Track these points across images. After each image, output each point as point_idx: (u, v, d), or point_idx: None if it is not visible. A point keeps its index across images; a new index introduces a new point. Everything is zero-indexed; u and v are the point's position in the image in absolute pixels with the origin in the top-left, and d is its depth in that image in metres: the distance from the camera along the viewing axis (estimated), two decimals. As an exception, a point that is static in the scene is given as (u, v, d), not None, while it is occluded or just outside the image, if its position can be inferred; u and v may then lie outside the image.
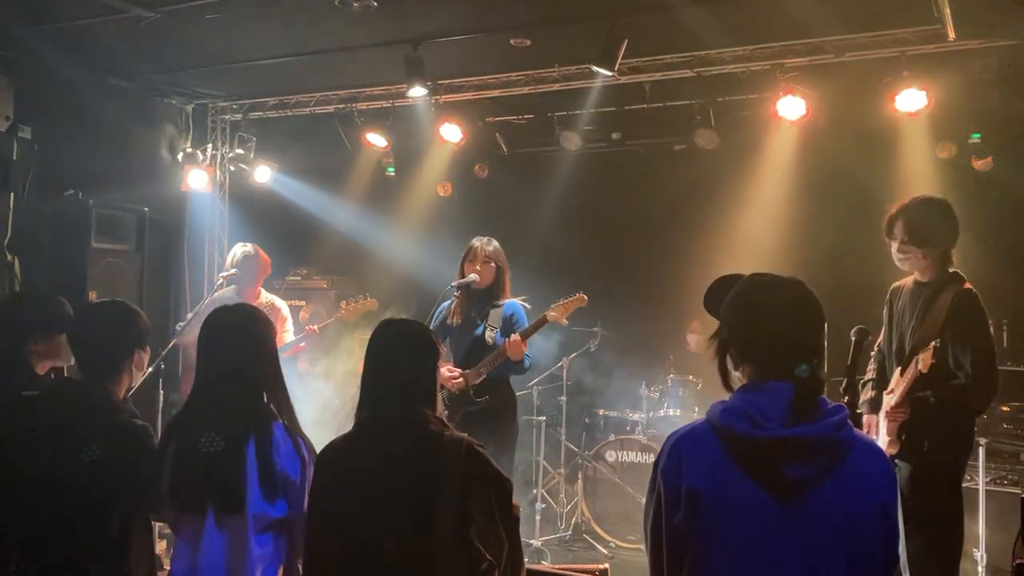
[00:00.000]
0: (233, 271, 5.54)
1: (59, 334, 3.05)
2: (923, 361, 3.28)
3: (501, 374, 4.55)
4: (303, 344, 5.73)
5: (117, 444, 2.57)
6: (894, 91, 5.38)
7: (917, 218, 3.59)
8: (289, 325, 5.94)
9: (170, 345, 5.12)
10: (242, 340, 2.59)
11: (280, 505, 2.48)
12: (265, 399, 2.55)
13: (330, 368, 6.54)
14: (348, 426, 2.49)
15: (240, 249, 5.66)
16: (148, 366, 4.21)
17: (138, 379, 2.84)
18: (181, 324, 5.46)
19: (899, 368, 3.62)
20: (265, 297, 5.79)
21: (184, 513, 2.52)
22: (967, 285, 3.56)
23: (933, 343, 3.31)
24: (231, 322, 2.65)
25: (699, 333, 6.78)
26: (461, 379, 4.45)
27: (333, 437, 2.50)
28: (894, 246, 3.67)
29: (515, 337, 4.39)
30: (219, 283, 5.54)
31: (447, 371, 4.42)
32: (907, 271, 3.75)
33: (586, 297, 4.47)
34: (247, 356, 2.58)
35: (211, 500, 2.46)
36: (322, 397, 6.11)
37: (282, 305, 5.91)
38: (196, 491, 2.49)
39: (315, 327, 5.66)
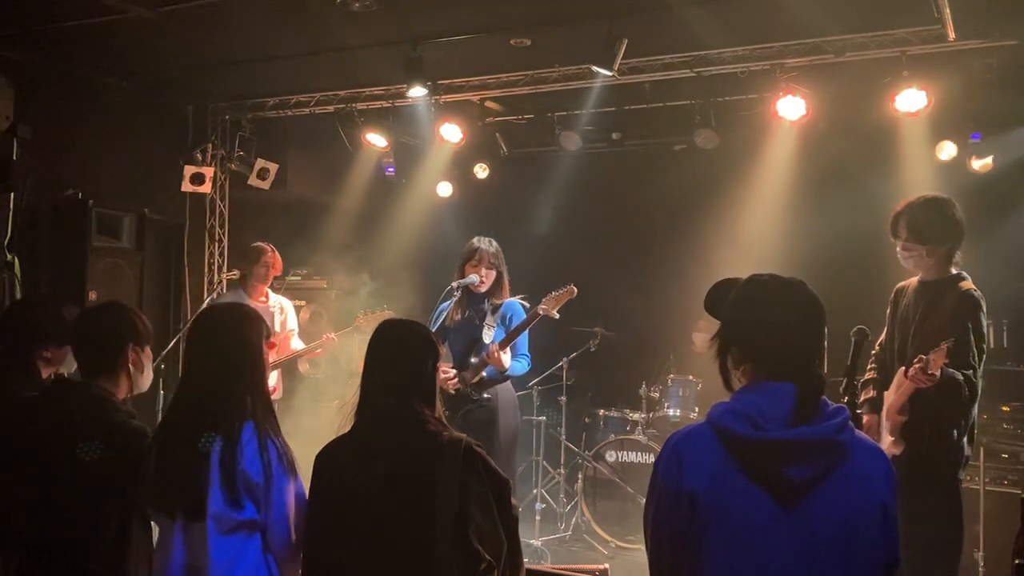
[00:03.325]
0: (234, 272, 5.55)
1: (70, 344, 3.06)
2: (933, 362, 3.24)
3: (500, 374, 4.55)
4: (320, 351, 5.75)
5: (115, 444, 2.58)
6: (894, 91, 5.38)
7: (920, 216, 3.59)
8: (291, 324, 5.94)
9: (170, 345, 5.12)
10: (225, 339, 2.55)
11: (247, 507, 2.41)
12: (240, 399, 2.49)
13: (330, 368, 6.54)
14: (347, 426, 2.49)
15: (252, 246, 5.70)
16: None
17: (140, 380, 2.81)
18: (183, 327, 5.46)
19: (902, 368, 3.61)
20: (273, 299, 5.80)
21: (160, 518, 2.50)
22: (971, 285, 3.56)
23: (945, 343, 3.26)
24: (217, 320, 2.64)
25: (706, 332, 6.75)
26: (456, 380, 4.44)
27: (332, 437, 2.50)
28: (898, 244, 3.67)
29: (493, 347, 4.37)
30: (219, 283, 5.55)
31: (442, 372, 4.40)
32: (912, 271, 3.75)
33: (575, 289, 4.45)
34: (228, 355, 2.53)
35: (179, 505, 2.43)
36: (322, 397, 6.12)
37: (289, 309, 5.92)
38: (169, 495, 2.46)
39: (334, 335, 5.67)
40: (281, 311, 5.84)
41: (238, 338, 2.56)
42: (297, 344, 5.90)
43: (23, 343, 3.05)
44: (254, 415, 2.48)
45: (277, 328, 5.74)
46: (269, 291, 5.79)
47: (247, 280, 5.68)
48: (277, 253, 5.73)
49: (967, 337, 3.40)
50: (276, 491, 2.43)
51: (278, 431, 2.53)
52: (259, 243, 5.73)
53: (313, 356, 5.95)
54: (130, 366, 2.75)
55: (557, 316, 4.44)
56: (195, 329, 2.64)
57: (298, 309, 7.02)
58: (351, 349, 5.87)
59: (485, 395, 4.48)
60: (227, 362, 2.52)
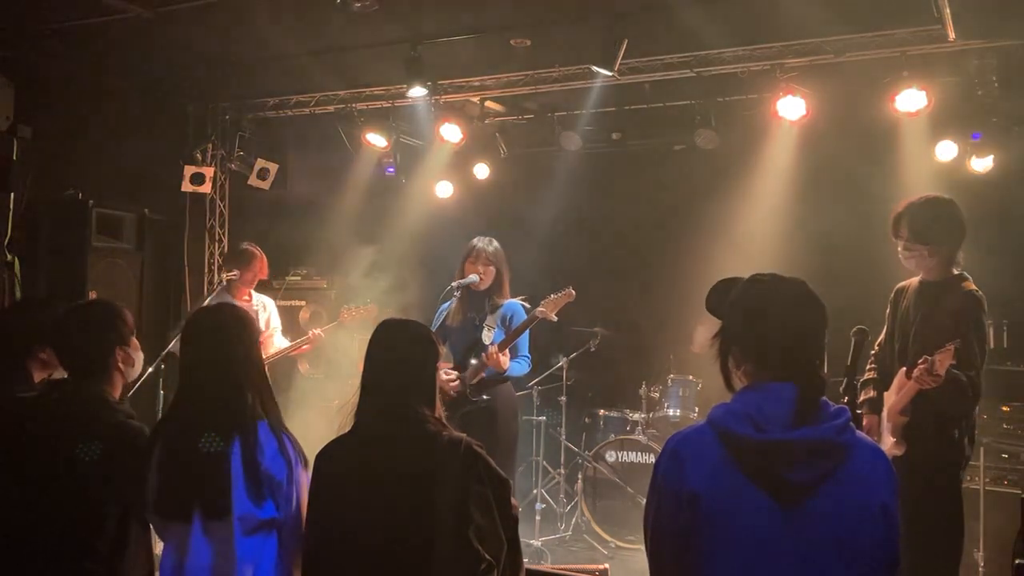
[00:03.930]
0: (234, 273, 5.55)
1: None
2: (939, 363, 3.24)
3: (500, 374, 4.55)
4: (306, 347, 5.76)
5: (114, 444, 2.58)
6: (894, 91, 5.37)
7: (921, 216, 3.58)
8: (275, 322, 5.93)
9: (170, 345, 5.11)
10: (224, 340, 2.57)
11: (267, 506, 2.44)
12: (249, 399, 2.52)
13: (330, 368, 6.54)
14: (348, 426, 2.49)
15: (239, 247, 5.71)
16: (150, 366, 4.23)
17: (132, 373, 2.83)
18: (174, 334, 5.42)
19: (903, 369, 3.61)
20: (256, 298, 5.82)
21: (170, 520, 2.50)
22: (973, 286, 3.54)
23: (952, 344, 3.25)
24: (212, 323, 2.65)
25: (709, 326, 6.64)
26: (457, 383, 4.45)
27: (333, 437, 2.50)
28: (900, 245, 3.66)
29: (492, 349, 4.38)
30: (220, 283, 5.55)
31: (443, 374, 4.41)
32: (913, 271, 3.74)
33: (574, 292, 4.46)
34: (229, 356, 2.55)
35: (197, 506, 2.44)
36: (322, 397, 6.11)
37: (271, 307, 5.93)
38: (182, 497, 2.46)
39: (320, 331, 5.68)
40: (264, 309, 5.86)
41: (236, 340, 2.58)
42: (281, 342, 5.90)
43: (19, 344, 3.05)
44: (266, 415, 2.52)
45: (261, 326, 5.74)
46: (252, 291, 5.81)
47: (233, 281, 5.67)
48: (265, 258, 5.75)
49: (970, 338, 3.40)
50: (296, 487, 2.48)
51: (285, 425, 2.57)
52: (248, 247, 5.73)
53: (300, 352, 5.95)
54: (120, 365, 2.76)
55: (555, 319, 4.47)
56: (191, 332, 2.64)
57: (298, 309, 7.02)
58: (351, 349, 5.87)
59: (484, 396, 4.48)
60: (229, 364, 2.54)
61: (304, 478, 2.52)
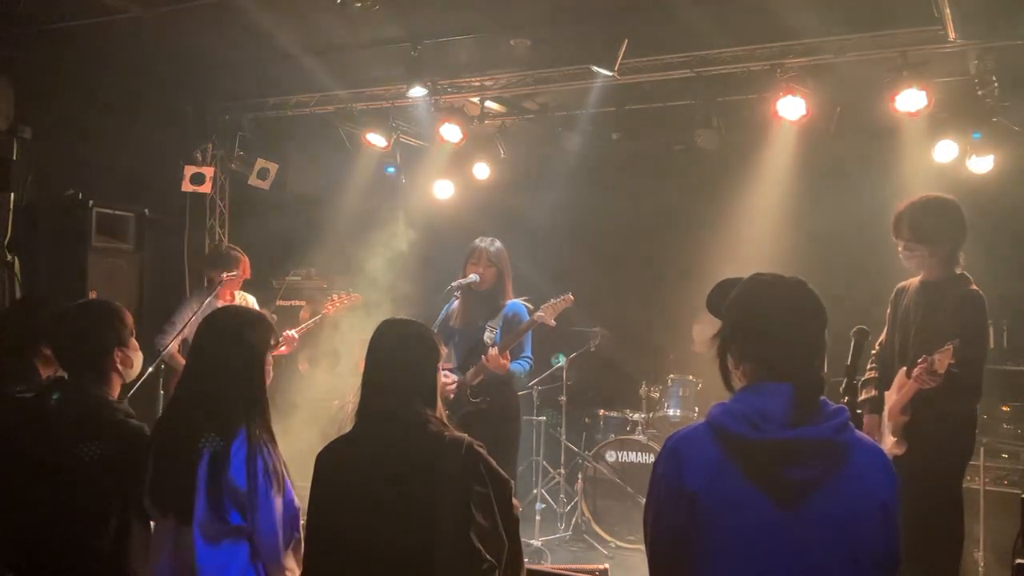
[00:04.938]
0: (234, 272, 5.54)
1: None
2: (939, 362, 3.24)
3: (501, 375, 4.55)
4: (283, 349, 5.74)
5: (115, 443, 2.59)
6: (894, 91, 5.37)
7: (922, 216, 3.59)
8: None
9: (168, 345, 5.10)
10: (232, 344, 2.56)
11: (232, 515, 2.42)
12: (238, 406, 2.49)
13: (331, 368, 6.54)
14: (348, 426, 2.49)
15: (222, 250, 5.69)
16: (149, 366, 4.23)
17: (131, 373, 2.83)
18: (161, 337, 5.39)
19: (903, 368, 3.61)
20: (238, 296, 5.81)
21: (156, 515, 2.53)
22: (974, 286, 3.54)
23: (951, 344, 3.25)
24: (227, 324, 2.65)
25: (705, 323, 6.64)
26: (454, 386, 4.45)
27: (333, 437, 2.50)
28: (901, 245, 3.66)
29: (492, 352, 4.38)
30: (220, 282, 5.53)
31: (443, 377, 4.40)
32: (914, 271, 3.74)
33: (572, 297, 4.47)
34: (233, 361, 2.54)
35: (171, 506, 2.45)
36: (322, 397, 6.12)
37: (253, 304, 5.93)
38: (163, 494, 2.48)
39: (294, 332, 5.65)
40: (245, 303, 5.84)
41: (240, 343, 2.57)
42: None
43: (23, 342, 3.05)
44: (248, 423, 2.48)
45: None
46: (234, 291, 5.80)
47: (233, 280, 5.65)
48: (248, 261, 5.75)
49: (970, 337, 3.40)
50: (262, 498, 2.44)
51: (270, 440, 2.52)
52: (234, 251, 5.71)
53: (276, 354, 5.93)
54: (118, 366, 2.76)
55: (554, 324, 4.47)
56: (202, 330, 2.64)
57: (298, 309, 7.02)
58: (352, 349, 5.87)
59: (486, 396, 4.48)
60: (227, 366, 2.53)
61: (274, 494, 2.46)
